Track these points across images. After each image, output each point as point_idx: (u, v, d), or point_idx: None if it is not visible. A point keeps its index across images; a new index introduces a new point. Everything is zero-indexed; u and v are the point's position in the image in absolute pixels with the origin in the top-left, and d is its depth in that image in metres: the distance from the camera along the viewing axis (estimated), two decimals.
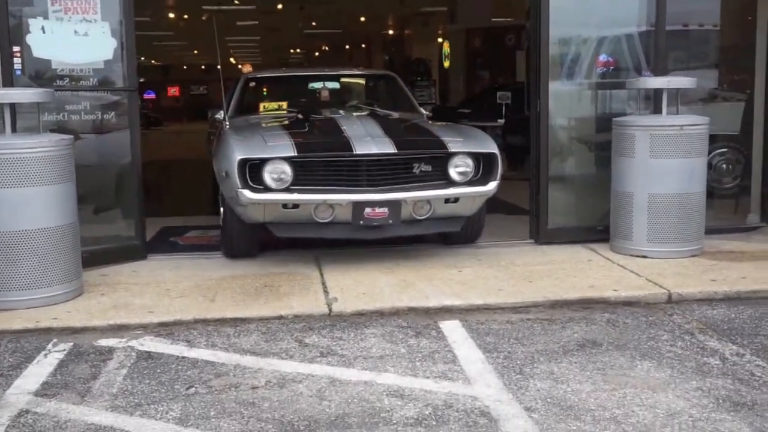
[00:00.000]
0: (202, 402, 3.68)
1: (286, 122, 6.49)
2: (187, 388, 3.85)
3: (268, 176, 5.15)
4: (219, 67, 7.10)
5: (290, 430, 3.36)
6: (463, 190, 5.42)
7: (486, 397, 3.66)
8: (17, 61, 5.49)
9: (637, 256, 6.03)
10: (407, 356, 4.23)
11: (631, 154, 5.98)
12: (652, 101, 6.73)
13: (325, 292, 5.26)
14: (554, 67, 6.91)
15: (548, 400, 3.62)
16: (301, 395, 3.73)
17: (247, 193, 5.08)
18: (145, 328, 4.72)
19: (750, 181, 7.47)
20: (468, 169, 5.44)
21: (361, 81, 8.27)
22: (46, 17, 5.67)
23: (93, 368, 4.12)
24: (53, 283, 5.03)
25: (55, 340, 4.53)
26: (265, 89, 7.65)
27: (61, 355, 4.30)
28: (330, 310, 4.92)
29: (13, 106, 5.13)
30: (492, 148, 5.62)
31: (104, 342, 4.51)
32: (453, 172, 5.42)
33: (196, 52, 25.89)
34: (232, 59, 28.91)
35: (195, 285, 5.57)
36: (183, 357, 4.28)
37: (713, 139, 6.63)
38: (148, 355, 4.31)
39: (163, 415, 3.55)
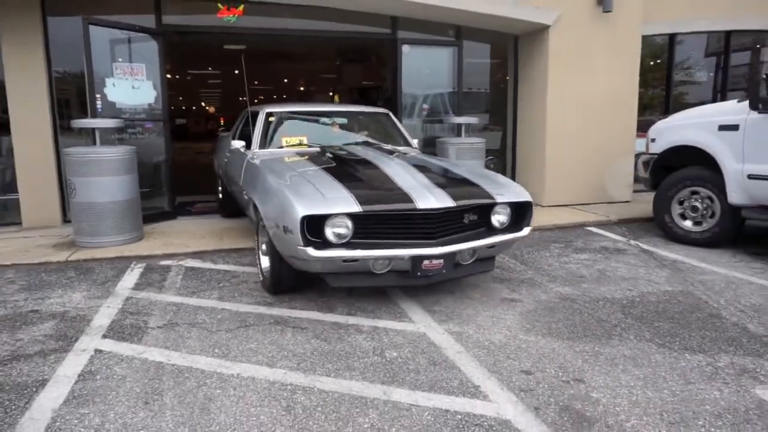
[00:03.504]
0: (229, 290, 3.92)
1: (320, 162, 4.15)
2: (219, 284, 4.05)
3: (330, 231, 3.24)
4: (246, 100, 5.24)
5: (278, 301, 3.69)
6: (506, 236, 3.66)
7: None
8: (99, 103, 5.47)
9: None
10: None
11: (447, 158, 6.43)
12: (456, 130, 7.33)
13: None
14: (404, 110, 7.19)
15: None
16: None
17: (311, 251, 3.18)
18: (186, 255, 4.80)
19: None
20: (506, 218, 3.70)
21: (364, 117, 5.63)
22: (113, 77, 5.70)
23: (161, 276, 4.26)
24: (127, 231, 5.09)
25: (134, 262, 4.62)
26: (282, 123, 5.02)
27: (140, 270, 4.40)
28: None
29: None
30: (527, 196, 3.78)
31: (163, 263, 4.61)
32: (494, 220, 3.67)
33: (181, 98, 24.53)
34: (202, 103, 27.65)
35: (208, 232, 5.63)
36: (212, 269, 4.44)
37: (487, 152, 7.00)
38: (192, 269, 4.43)
39: (208, 297, 3.78)
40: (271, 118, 4.99)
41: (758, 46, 9.23)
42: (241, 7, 6.34)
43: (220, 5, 6.29)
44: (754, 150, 4.60)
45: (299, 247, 3.21)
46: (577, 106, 7.02)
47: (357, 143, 4.91)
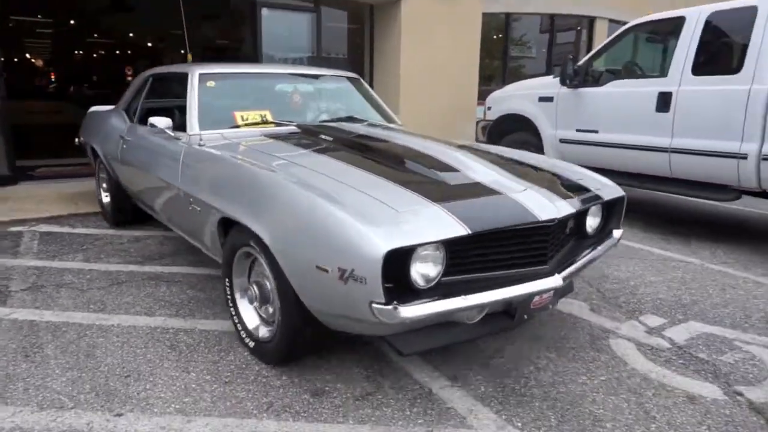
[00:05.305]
0: (94, 252, 3.94)
1: (319, 148, 2.87)
2: (82, 246, 4.05)
3: (416, 271, 1.92)
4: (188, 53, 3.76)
5: (149, 259, 3.83)
6: (608, 243, 2.68)
7: None
8: None
9: None
10: None
11: None
12: None
13: None
14: None
15: None
16: (150, 244, 4.14)
17: (403, 311, 1.81)
18: (38, 221, 4.63)
19: None
20: (599, 220, 2.71)
21: (333, 83, 4.08)
22: None
23: (13, 242, 4.11)
24: None
25: None
26: (226, 92, 3.49)
27: None
28: None
29: None
30: (621, 190, 2.78)
31: (13, 229, 4.42)
32: (588, 224, 2.64)
33: None
34: (27, 55, 24.16)
35: (59, 197, 5.40)
36: (71, 233, 4.37)
37: None
38: (48, 234, 4.32)
39: (73, 259, 3.79)
40: (210, 84, 3.42)
41: (578, 28, 10.79)
42: None
43: None
44: (563, 118, 5.61)
45: (376, 306, 1.83)
46: (426, 74, 7.73)
47: (341, 119, 3.67)
